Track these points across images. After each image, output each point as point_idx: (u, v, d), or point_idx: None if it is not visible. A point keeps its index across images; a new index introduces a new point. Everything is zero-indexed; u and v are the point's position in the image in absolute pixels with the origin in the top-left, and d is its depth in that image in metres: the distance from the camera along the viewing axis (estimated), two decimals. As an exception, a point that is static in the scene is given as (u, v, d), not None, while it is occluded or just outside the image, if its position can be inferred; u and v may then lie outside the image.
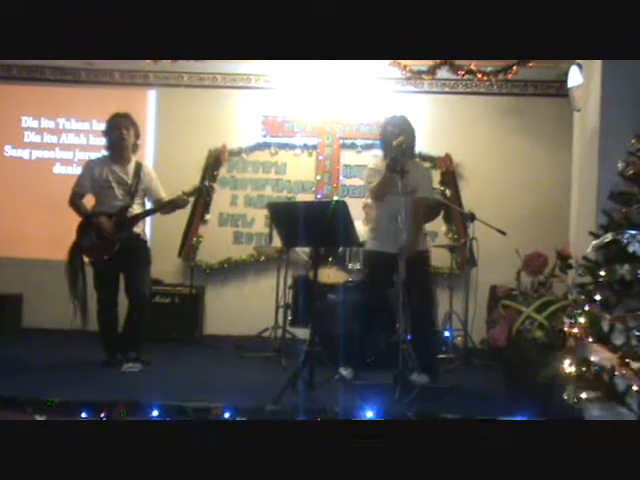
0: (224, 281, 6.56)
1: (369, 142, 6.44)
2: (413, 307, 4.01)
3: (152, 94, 6.71)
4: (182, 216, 6.02)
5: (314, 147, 6.64)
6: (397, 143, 3.91)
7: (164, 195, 4.52)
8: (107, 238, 4.28)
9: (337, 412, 3.16)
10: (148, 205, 4.60)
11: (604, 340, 2.57)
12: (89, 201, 4.48)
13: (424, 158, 6.22)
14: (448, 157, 6.45)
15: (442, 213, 5.99)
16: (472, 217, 5.20)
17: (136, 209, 4.41)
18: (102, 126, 4.62)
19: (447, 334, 5.49)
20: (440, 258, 5.74)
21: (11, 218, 6.54)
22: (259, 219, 6.56)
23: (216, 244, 6.56)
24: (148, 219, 4.84)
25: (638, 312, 2.55)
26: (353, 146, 6.62)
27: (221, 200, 6.60)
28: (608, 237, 2.73)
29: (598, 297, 2.68)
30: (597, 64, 3.81)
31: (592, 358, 2.54)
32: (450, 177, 6.44)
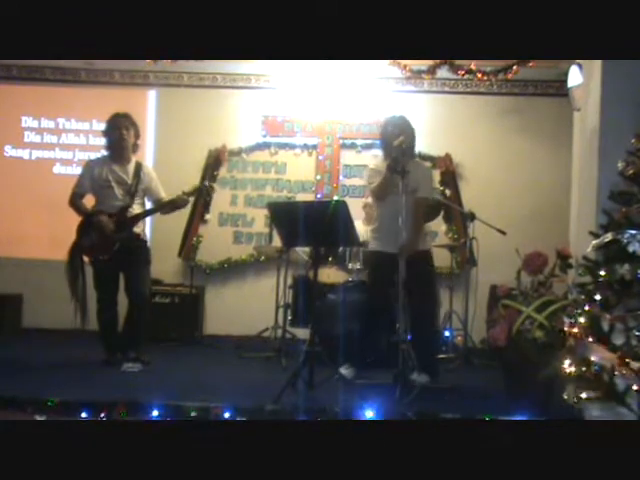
0: (224, 281, 6.56)
1: (369, 142, 6.44)
2: (414, 307, 4.00)
3: (152, 94, 6.71)
4: (182, 216, 6.03)
5: (314, 147, 6.64)
6: (397, 143, 3.91)
7: (164, 195, 4.52)
8: (107, 238, 4.27)
9: (337, 412, 3.16)
10: (148, 205, 4.60)
11: (604, 340, 2.57)
12: (89, 201, 4.48)
13: (424, 158, 6.20)
14: (448, 157, 6.45)
15: (442, 213, 5.99)
16: (472, 217, 5.20)
17: (136, 209, 4.41)
18: (102, 126, 4.62)
19: (447, 334, 5.49)
20: (440, 258, 5.70)
21: (11, 218, 6.54)
22: (259, 219, 6.56)
23: (216, 244, 6.56)
24: (148, 219, 4.84)
25: (638, 312, 2.55)
26: (353, 146, 6.62)
27: (221, 200, 6.60)
28: (608, 237, 2.74)
29: (598, 297, 2.68)
30: (597, 64, 3.81)
31: (592, 358, 2.54)
32: (450, 177, 6.45)
